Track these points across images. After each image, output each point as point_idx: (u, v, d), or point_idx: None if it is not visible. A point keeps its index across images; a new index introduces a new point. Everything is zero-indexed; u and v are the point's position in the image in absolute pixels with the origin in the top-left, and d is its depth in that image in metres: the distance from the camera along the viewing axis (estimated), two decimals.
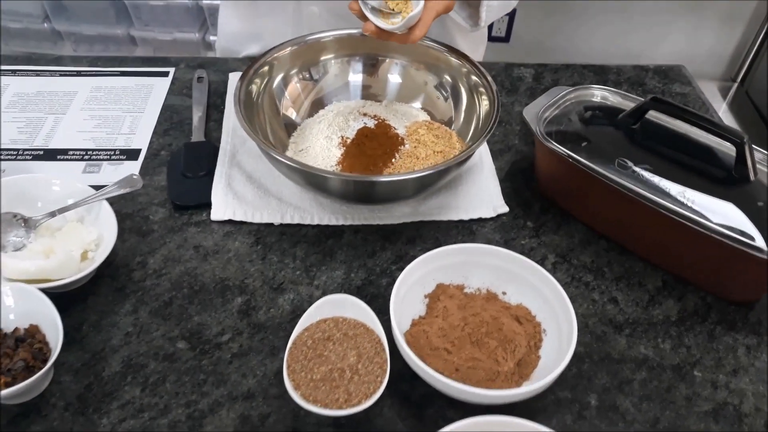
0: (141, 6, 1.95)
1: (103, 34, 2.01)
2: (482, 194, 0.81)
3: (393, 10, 0.71)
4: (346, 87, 0.89)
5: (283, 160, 0.69)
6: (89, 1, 1.93)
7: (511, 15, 2.08)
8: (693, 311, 0.70)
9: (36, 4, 1.96)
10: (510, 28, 2.12)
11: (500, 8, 0.86)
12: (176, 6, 1.93)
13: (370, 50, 0.88)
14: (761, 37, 2.09)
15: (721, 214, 0.67)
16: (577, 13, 2.05)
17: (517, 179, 0.84)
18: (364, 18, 0.73)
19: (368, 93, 0.90)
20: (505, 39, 2.15)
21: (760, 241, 0.64)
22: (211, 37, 1.99)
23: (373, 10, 0.73)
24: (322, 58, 0.88)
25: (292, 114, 0.85)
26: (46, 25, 1.99)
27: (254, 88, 0.81)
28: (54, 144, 0.85)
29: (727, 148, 0.71)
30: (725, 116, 2.12)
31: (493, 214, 0.79)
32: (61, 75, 0.97)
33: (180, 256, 0.73)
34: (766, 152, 0.73)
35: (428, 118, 0.87)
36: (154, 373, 0.62)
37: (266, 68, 0.82)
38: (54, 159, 0.83)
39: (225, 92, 0.95)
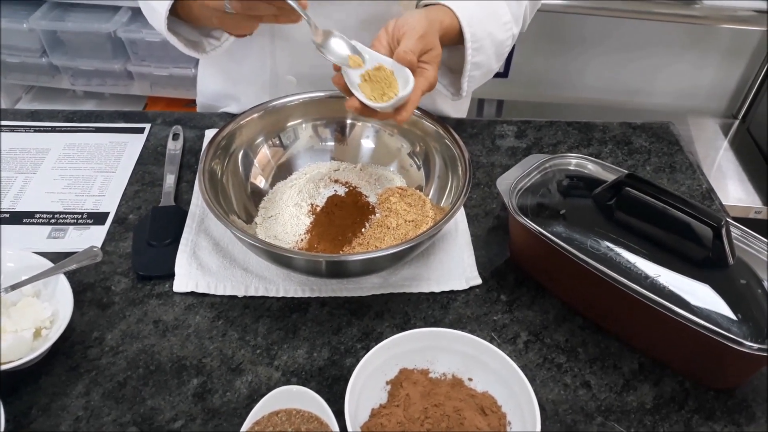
0: (138, 42, 1.96)
1: (100, 68, 2.01)
2: (455, 264, 0.78)
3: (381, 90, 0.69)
4: (318, 151, 0.87)
5: (246, 239, 0.67)
6: (86, 35, 1.94)
7: (510, 50, 2.08)
8: (670, 398, 0.67)
9: (33, 39, 1.97)
10: (509, 63, 2.11)
11: (481, 77, 0.84)
12: None
13: (342, 114, 0.86)
14: (762, 74, 2.07)
15: (698, 297, 0.65)
16: (576, 49, 2.04)
17: (492, 247, 0.82)
18: (349, 93, 0.70)
19: (341, 157, 0.88)
20: (504, 74, 2.14)
21: (737, 329, 0.62)
22: None
23: (358, 85, 0.70)
24: (291, 123, 0.86)
25: (260, 182, 0.83)
26: (44, 59, 2.00)
27: (221, 157, 0.79)
28: (21, 206, 0.84)
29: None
30: (726, 154, 2.09)
31: (466, 286, 0.76)
32: (35, 131, 0.96)
33: (139, 332, 0.70)
34: (744, 229, 0.70)
35: (404, 182, 0.85)
36: None
37: (234, 136, 0.81)
38: (20, 222, 0.82)
39: (200, 150, 0.93)
